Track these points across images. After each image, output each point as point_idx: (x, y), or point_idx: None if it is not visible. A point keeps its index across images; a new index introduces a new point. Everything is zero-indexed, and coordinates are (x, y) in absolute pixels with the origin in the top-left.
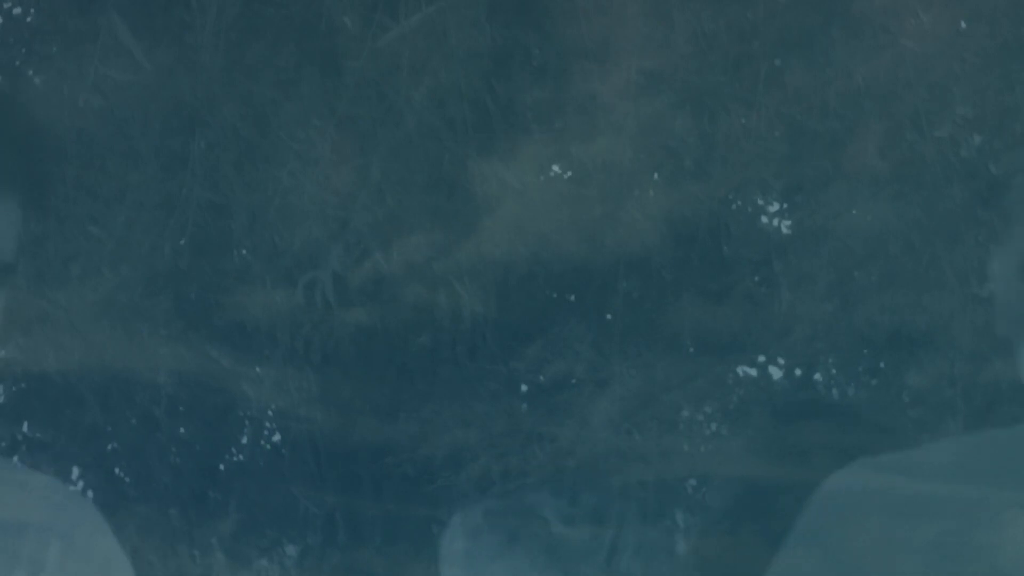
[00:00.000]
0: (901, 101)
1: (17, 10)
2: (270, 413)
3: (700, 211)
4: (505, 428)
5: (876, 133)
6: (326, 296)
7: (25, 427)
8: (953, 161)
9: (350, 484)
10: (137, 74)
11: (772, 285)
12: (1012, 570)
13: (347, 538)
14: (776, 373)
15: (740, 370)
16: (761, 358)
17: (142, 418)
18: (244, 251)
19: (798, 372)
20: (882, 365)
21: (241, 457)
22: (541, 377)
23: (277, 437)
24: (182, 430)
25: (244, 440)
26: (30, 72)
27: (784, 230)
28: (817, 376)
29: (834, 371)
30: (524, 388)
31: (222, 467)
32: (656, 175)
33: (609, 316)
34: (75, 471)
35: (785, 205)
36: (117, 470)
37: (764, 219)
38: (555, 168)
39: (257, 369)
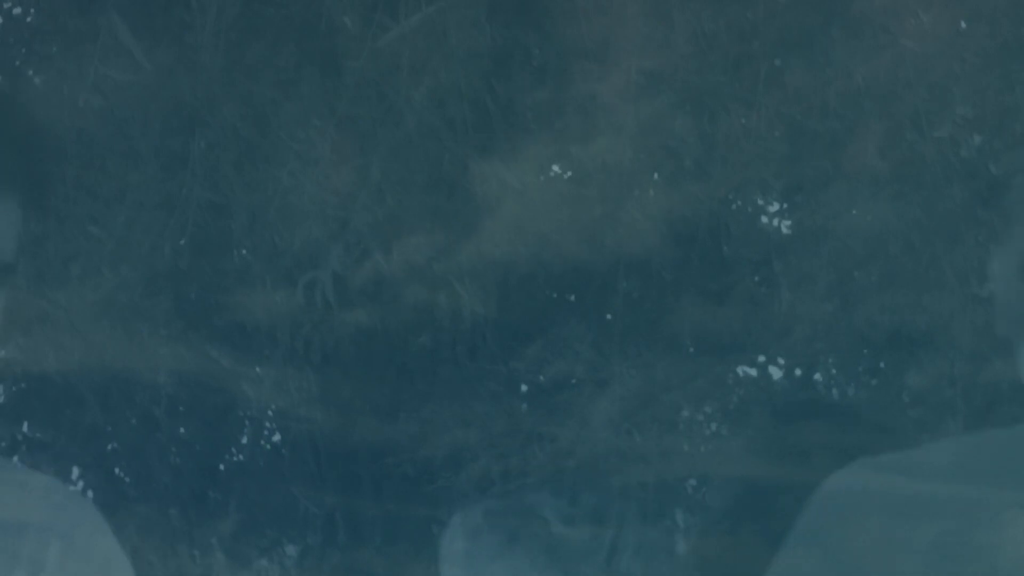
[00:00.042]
0: (901, 101)
1: (17, 10)
2: (270, 413)
3: (700, 211)
4: (505, 428)
5: (876, 133)
6: (326, 296)
7: (25, 427)
8: (953, 161)
9: (350, 484)
10: (137, 74)
11: (772, 285)
12: (1012, 570)
13: (347, 538)
14: (776, 373)
15: (740, 370)
16: (761, 358)
17: (142, 418)
18: (244, 251)
19: (798, 372)
20: (882, 365)
21: (241, 457)
22: (541, 377)
23: (277, 437)
24: (182, 430)
25: (244, 440)
26: (30, 72)
27: (784, 230)
28: (817, 376)
29: (834, 371)
30: (524, 388)
31: (222, 467)
32: (656, 175)
33: (609, 316)
34: (75, 471)
35: (785, 205)
36: (117, 470)
37: (764, 219)
38: (555, 168)
39: (257, 369)
